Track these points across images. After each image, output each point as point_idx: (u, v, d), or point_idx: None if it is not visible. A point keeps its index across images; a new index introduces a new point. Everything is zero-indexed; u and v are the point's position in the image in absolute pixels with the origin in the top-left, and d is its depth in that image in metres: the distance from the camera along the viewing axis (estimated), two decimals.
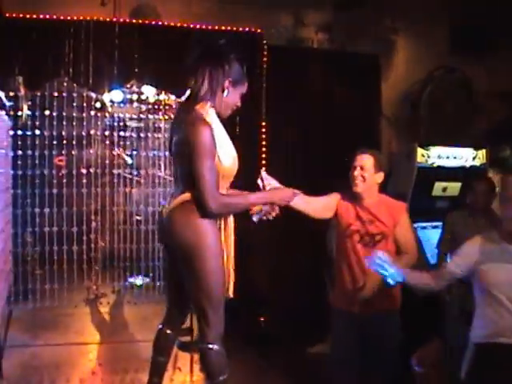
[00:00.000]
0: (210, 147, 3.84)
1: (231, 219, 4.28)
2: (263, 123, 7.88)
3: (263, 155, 7.90)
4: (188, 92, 4.13)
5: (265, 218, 4.42)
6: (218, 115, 4.08)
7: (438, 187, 7.32)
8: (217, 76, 3.97)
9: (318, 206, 4.89)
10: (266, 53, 7.93)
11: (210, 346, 4.14)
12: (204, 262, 3.95)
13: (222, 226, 4.19)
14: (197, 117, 3.90)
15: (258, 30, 7.89)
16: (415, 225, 7.00)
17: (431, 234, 6.95)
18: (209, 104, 3.99)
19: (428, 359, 4.50)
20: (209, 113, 3.98)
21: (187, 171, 3.92)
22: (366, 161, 4.77)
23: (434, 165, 7.24)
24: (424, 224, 7.19)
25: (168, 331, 4.44)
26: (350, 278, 4.74)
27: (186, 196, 3.96)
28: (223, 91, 4.03)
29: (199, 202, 3.88)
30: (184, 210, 3.96)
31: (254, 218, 4.41)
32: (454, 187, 7.33)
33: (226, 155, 4.06)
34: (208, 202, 3.84)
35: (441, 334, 5.40)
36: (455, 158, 7.34)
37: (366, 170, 4.73)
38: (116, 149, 8.98)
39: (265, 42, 7.93)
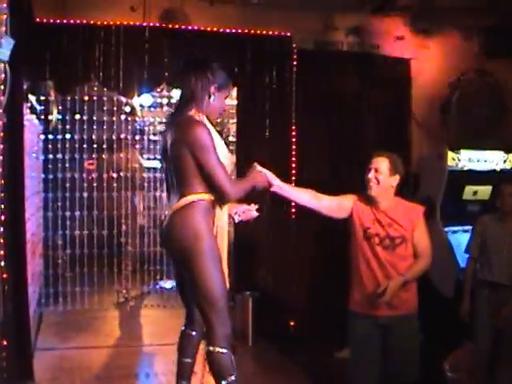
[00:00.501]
0: (211, 142, 4.01)
1: (225, 222, 4.37)
2: (293, 126, 7.87)
3: (293, 158, 7.89)
4: (177, 101, 4.47)
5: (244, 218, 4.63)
6: (207, 119, 4.24)
7: (469, 191, 7.26)
8: (201, 84, 4.19)
9: (332, 205, 4.81)
10: (295, 56, 7.93)
11: (217, 349, 4.19)
12: (202, 267, 4.03)
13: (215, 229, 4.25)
14: (191, 119, 4.13)
15: (288, 34, 7.89)
16: (446, 229, 6.97)
17: (462, 238, 6.89)
18: (198, 109, 4.19)
19: (461, 364, 4.45)
20: (200, 117, 4.18)
21: (185, 174, 4.08)
22: (381, 163, 4.71)
23: (465, 168, 7.19)
24: (455, 228, 7.14)
25: (191, 332, 4.50)
26: (371, 282, 4.69)
27: (183, 201, 4.07)
28: (210, 97, 4.22)
29: (218, 192, 4.05)
30: (182, 216, 4.08)
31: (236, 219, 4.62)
32: (484, 191, 7.27)
33: (222, 155, 4.15)
34: (227, 190, 4.02)
35: (471, 337, 5.36)
36: (485, 161, 7.28)
37: (381, 172, 4.68)
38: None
39: (294, 45, 7.93)
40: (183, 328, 4.54)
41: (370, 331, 4.71)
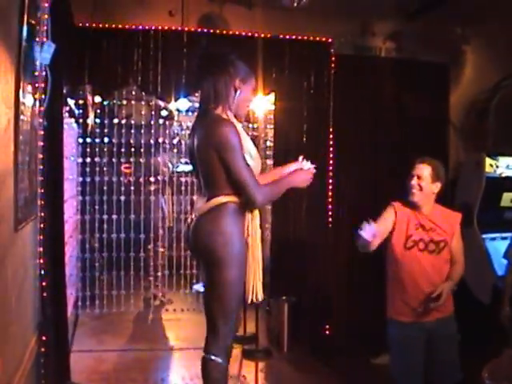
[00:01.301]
0: (239, 143, 3.93)
1: (257, 226, 4.23)
2: (330, 131, 7.85)
3: (330, 163, 7.87)
4: (200, 101, 4.30)
5: None
6: (235, 117, 4.17)
7: (507, 198, 7.19)
8: (225, 80, 4.10)
9: (385, 232, 4.88)
10: (333, 62, 7.91)
11: (213, 357, 4.12)
12: (225, 272, 3.98)
13: (250, 233, 4.17)
14: (219, 119, 4.04)
15: (326, 39, 7.87)
16: (483, 236, 6.90)
17: (500, 246, 6.83)
18: (225, 107, 4.12)
19: (501, 372, 4.39)
20: (229, 115, 4.11)
21: (213, 175, 4.01)
22: (423, 170, 4.78)
23: (503, 175, 7.12)
24: (492, 235, 7.07)
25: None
26: (414, 290, 4.73)
27: (212, 203, 4.02)
28: (235, 92, 4.14)
29: (245, 197, 3.97)
30: (211, 218, 4.02)
31: None
32: None
33: (249, 155, 4.08)
34: (254, 195, 3.93)
35: (509, 344, 5.30)
36: None
37: (424, 179, 4.75)
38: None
39: (332, 50, 7.91)
40: None
41: (415, 337, 4.74)
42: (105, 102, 8.66)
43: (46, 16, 4.65)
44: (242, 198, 4.02)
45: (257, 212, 4.22)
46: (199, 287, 8.76)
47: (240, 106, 4.22)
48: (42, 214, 5.01)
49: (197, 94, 7.63)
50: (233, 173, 3.93)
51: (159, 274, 8.94)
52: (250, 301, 4.25)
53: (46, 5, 4.65)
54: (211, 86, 4.12)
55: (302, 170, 4.40)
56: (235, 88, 4.14)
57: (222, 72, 4.12)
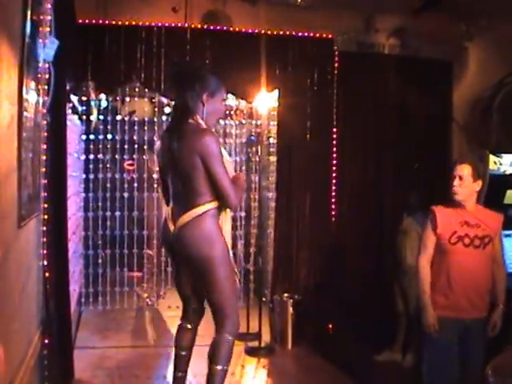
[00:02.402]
0: (220, 153, 4.44)
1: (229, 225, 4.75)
2: (334, 128, 7.85)
3: (334, 159, 7.88)
4: (173, 111, 4.88)
5: None
6: (206, 125, 4.57)
7: (511, 195, 7.16)
8: (192, 95, 4.53)
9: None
10: (336, 58, 7.91)
11: (228, 337, 4.64)
12: (219, 270, 4.50)
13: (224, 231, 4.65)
14: (198, 128, 4.50)
15: (329, 36, 7.87)
16: None
17: (504, 243, 6.82)
18: (197, 118, 4.54)
19: (505, 369, 4.40)
20: (202, 123, 4.55)
21: (196, 182, 4.44)
22: (464, 170, 4.85)
23: (507, 172, 7.10)
24: None
25: (187, 325, 4.98)
26: (459, 284, 4.80)
27: (197, 211, 4.46)
28: (203, 105, 4.57)
29: (224, 201, 4.48)
30: (195, 225, 4.47)
31: None
32: None
33: (225, 161, 4.52)
34: (232, 199, 4.45)
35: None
36: None
37: (465, 179, 4.83)
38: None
39: (335, 47, 7.90)
40: (180, 322, 5.02)
41: (454, 333, 4.84)
42: (109, 99, 8.64)
43: (50, 13, 4.65)
44: (220, 202, 4.51)
45: (229, 212, 4.72)
46: None
47: (208, 118, 4.63)
48: (46, 211, 5.01)
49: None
50: (214, 179, 4.39)
51: (163, 270, 8.88)
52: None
53: (49, 1, 4.64)
54: (181, 100, 4.57)
55: (239, 177, 4.75)
56: (202, 102, 4.56)
57: (189, 87, 4.54)
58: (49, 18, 4.63)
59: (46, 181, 4.95)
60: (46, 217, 5.01)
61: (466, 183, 4.82)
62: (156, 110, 8.67)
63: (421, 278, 4.91)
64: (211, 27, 7.57)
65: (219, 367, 4.61)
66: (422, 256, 4.94)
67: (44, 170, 4.90)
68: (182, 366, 4.96)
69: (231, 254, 4.69)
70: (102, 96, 8.46)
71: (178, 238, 4.55)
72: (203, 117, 4.57)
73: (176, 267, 4.98)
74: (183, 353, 4.96)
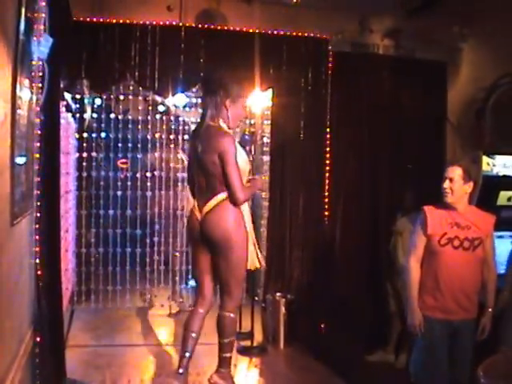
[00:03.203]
0: (235, 152, 5.18)
1: (248, 212, 5.50)
2: (327, 128, 7.86)
3: (327, 159, 7.88)
4: (201, 114, 5.51)
5: None
6: (228, 127, 5.37)
7: (504, 197, 7.16)
8: (216, 101, 5.32)
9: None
10: (330, 58, 7.91)
11: (230, 314, 5.47)
12: (237, 251, 5.30)
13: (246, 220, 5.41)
14: (220, 130, 5.28)
15: (324, 36, 7.87)
16: None
17: (496, 244, 6.82)
18: (221, 120, 5.33)
19: (496, 371, 4.39)
20: (225, 126, 5.34)
21: (215, 177, 5.22)
22: (454, 172, 4.87)
23: (500, 174, 7.10)
24: None
25: (199, 310, 5.51)
26: (447, 287, 4.81)
27: (219, 198, 5.25)
28: (227, 109, 5.33)
29: (231, 195, 5.20)
30: (217, 212, 5.26)
31: None
32: None
33: (242, 161, 5.29)
34: (238, 196, 5.16)
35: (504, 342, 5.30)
36: None
37: (455, 181, 4.85)
38: (180, 152, 8.97)
39: (330, 47, 7.91)
40: (193, 308, 5.61)
41: (443, 334, 4.86)
42: (103, 97, 8.62)
43: (44, 10, 4.64)
44: (228, 195, 5.23)
45: (246, 205, 5.44)
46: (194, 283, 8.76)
47: (232, 121, 5.41)
48: (39, 209, 5.00)
49: (194, 90, 7.66)
50: (226, 176, 5.15)
51: (156, 269, 8.86)
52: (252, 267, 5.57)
53: (44, 3, 4.64)
54: (207, 105, 5.36)
55: (255, 179, 5.62)
56: (226, 107, 5.33)
57: (213, 94, 5.34)
58: (43, 15, 4.63)
59: (39, 179, 4.94)
60: (38, 215, 5.00)
61: (456, 185, 4.83)
62: (150, 108, 8.66)
63: (409, 279, 4.94)
64: (206, 26, 7.57)
65: (226, 340, 5.49)
66: (411, 256, 4.95)
67: (37, 167, 4.89)
68: (191, 346, 5.42)
69: (253, 241, 5.48)
70: (96, 94, 8.43)
71: (203, 222, 5.31)
72: (227, 120, 5.35)
73: (197, 255, 5.58)
74: (194, 335, 5.43)
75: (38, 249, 5.00)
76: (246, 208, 5.44)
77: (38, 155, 4.87)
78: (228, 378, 5.59)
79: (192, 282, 8.75)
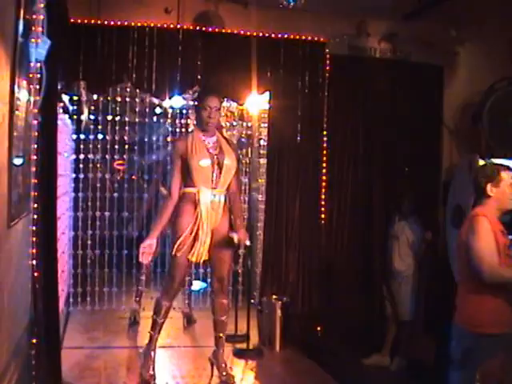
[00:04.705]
0: (178, 152, 5.81)
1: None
2: (324, 131, 7.87)
3: (324, 163, 7.90)
4: None
5: None
6: (203, 130, 5.83)
7: None
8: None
9: None
10: (328, 62, 7.93)
11: (223, 300, 6.12)
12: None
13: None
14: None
15: (321, 39, 7.89)
16: None
17: None
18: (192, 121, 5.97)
19: (494, 374, 4.37)
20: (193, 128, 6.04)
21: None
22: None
23: None
24: None
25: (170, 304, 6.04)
26: (504, 298, 4.43)
27: None
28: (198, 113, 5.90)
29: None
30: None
31: None
32: None
33: (200, 161, 5.73)
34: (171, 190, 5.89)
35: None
36: None
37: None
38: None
39: (327, 50, 7.92)
40: (166, 301, 5.98)
41: (498, 350, 4.45)
42: (99, 99, 8.61)
43: (42, 12, 4.63)
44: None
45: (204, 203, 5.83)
46: (192, 285, 8.73)
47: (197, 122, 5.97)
48: (35, 211, 4.99)
49: (191, 92, 7.66)
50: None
51: (152, 271, 8.82)
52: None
53: (42, 1, 4.63)
54: None
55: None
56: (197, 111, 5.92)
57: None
58: (41, 17, 4.62)
59: (36, 180, 4.93)
60: (35, 216, 4.99)
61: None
62: (147, 110, 8.66)
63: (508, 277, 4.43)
64: (203, 28, 7.58)
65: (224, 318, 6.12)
66: (491, 263, 4.36)
67: (34, 169, 4.89)
68: (160, 328, 6.04)
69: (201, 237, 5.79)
70: (94, 96, 8.42)
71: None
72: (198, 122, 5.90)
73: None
74: (162, 320, 5.99)
75: (34, 250, 4.99)
76: (203, 208, 5.75)
77: (35, 157, 4.87)
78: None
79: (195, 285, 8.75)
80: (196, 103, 5.86)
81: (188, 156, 5.69)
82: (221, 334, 6.09)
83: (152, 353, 6.01)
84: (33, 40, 4.43)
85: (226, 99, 8.16)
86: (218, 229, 5.91)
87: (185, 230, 5.75)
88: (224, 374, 6.00)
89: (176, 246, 5.76)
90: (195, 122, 5.83)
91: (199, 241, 5.77)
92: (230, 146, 6.01)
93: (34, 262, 4.99)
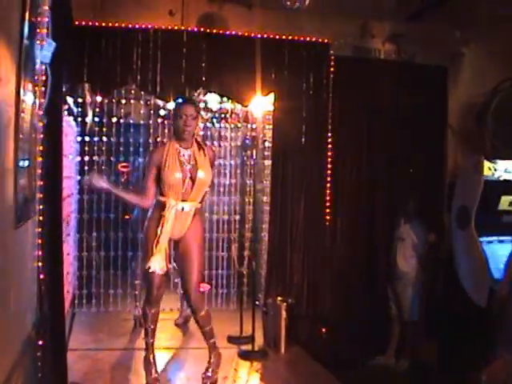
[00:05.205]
0: (152, 161, 5.83)
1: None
2: (329, 132, 7.87)
3: (329, 164, 7.90)
4: None
5: None
6: (178, 138, 5.83)
7: (505, 201, 7.18)
8: None
9: None
10: (332, 63, 7.93)
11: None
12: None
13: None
14: None
15: (325, 40, 7.89)
16: (481, 239, 6.91)
17: (497, 249, 6.84)
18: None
19: (498, 375, 4.38)
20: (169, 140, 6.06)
21: None
22: None
23: (501, 178, 7.11)
24: (490, 238, 7.07)
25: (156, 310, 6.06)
26: None
27: None
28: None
29: None
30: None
31: None
32: None
33: (172, 172, 5.74)
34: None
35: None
36: None
37: None
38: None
39: (331, 52, 7.93)
40: (155, 309, 6.04)
41: None
42: (104, 101, 8.61)
43: (47, 14, 4.65)
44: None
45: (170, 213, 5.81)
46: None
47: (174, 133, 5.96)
48: (41, 213, 5.00)
49: (195, 94, 7.66)
50: None
51: None
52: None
53: (47, 3, 4.64)
54: None
55: None
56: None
57: None
58: (46, 19, 4.63)
59: (41, 182, 4.94)
60: (41, 218, 5.00)
61: None
62: (151, 112, 8.67)
63: None
64: (207, 30, 7.59)
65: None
66: None
67: (39, 171, 4.90)
68: (153, 334, 6.07)
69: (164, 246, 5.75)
70: (98, 98, 8.42)
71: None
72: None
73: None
74: (153, 326, 6.03)
75: (40, 252, 5.00)
76: (168, 217, 5.74)
77: (40, 159, 4.88)
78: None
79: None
80: (173, 113, 6.01)
81: (161, 168, 5.73)
82: (211, 341, 6.07)
83: (151, 357, 6.02)
84: (38, 42, 4.45)
85: (229, 101, 8.20)
86: (184, 239, 5.93)
87: (152, 238, 5.76)
88: (209, 374, 6.04)
89: (147, 255, 5.79)
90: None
91: (158, 250, 5.74)
92: (206, 156, 5.93)
93: (40, 263, 5.00)
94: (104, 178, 5.91)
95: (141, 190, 5.88)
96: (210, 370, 6.03)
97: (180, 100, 6.09)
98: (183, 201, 5.79)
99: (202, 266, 6.43)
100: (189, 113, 5.74)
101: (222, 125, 9.03)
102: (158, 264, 5.71)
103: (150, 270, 5.71)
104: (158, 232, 5.71)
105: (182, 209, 5.80)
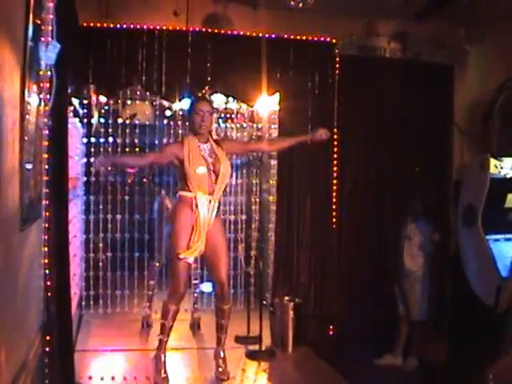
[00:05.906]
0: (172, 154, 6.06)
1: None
2: (335, 131, 7.85)
3: (335, 162, 7.88)
4: None
5: None
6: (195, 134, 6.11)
7: (511, 199, 7.15)
8: None
9: None
10: (337, 62, 7.92)
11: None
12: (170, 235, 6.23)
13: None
14: None
15: (330, 40, 7.88)
16: (487, 237, 6.89)
17: (504, 247, 6.81)
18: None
19: (505, 373, 4.37)
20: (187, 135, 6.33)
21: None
22: None
23: (508, 176, 7.09)
24: (497, 236, 7.03)
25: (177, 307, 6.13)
26: None
27: None
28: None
29: None
30: None
31: None
32: None
33: (197, 166, 5.96)
34: None
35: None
36: None
37: None
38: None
39: (337, 51, 7.92)
40: (175, 306, 6.11)
41: None
42: (110, 102, 8.62)
43: (51, 16, 4.65)
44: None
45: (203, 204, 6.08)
46: (204, 287, 8.73)
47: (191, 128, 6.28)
48: (47, 214, 5.01)
49: (200, 94, 7.66)
50: None
51: (164, 273, 8.82)
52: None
53: (51, 5, 4.65)
54: None
55: None
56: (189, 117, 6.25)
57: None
58: (51, 21, 4.63)
59: (47, 184, 4.95)
60: (47, 219, 5.01)
61: None
62: (157, 113, 8.67)
63: None
64: (212, 31, 7.59)
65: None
66: None
67: (45, 173, 4.90)
68: (169, 332, 6.13)
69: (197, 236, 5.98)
70: (104, 99, 8.43)
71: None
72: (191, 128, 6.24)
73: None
74: (171, 323, 6.07)
75: (46, 254, 5.01)
76: (201, 212, 5.99)
77: (46, 160, 4.89)
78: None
79: (202, 287, 8.73)
80: (188, 110, 6.36)
81: (184, 162, 5.94)
82: (220, 335, 6.27)
83: (163, 356, 6.07)
84: (43, 44, 4.45)
85: (235, 101, 8.21)
86: (211, 232, 6.11)
87: (182, 232, 5.98)
88: (220, 369, 6.19)
89: (179, 246, 5.96)
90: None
91: (194, 243, 5.98)
92: (224, 150, 6.20)
93: (46, 265, 5.01)
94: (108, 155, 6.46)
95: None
96: (223, 365, 6.20)
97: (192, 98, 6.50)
98: (209, 194, 6.04)
99: (229, 257, 6.70)
100: (205, 109, 6.05)
101: (228, 125, 9.03)
102: (191, 255, 5.98)
103: (181, 256, 5.90)
104: (196, 226, 5.96)
105: (210, 202, 6.05)
